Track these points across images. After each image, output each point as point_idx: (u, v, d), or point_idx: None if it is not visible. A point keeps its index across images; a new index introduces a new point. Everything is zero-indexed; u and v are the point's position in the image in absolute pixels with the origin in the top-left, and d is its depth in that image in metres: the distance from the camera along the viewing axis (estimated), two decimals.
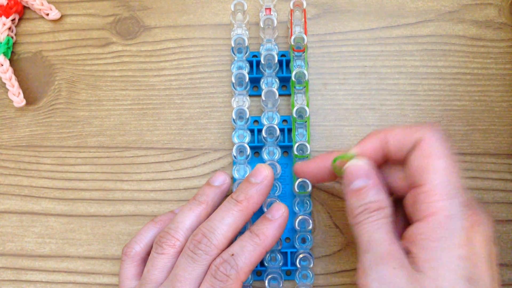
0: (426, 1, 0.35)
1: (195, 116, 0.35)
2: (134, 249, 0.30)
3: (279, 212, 0.28)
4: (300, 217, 0.30)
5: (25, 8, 0.36)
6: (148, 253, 0.30)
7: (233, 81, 0.32)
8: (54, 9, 0.36)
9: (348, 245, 0.32)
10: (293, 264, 0.31)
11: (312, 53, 0.35)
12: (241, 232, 0.28)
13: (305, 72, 0.31)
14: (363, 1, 0.36)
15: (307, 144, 0.30)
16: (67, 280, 0.33)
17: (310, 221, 0.30)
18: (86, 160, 0.34)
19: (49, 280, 0.33)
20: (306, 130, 0.32)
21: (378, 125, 0.34)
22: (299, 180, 0.30)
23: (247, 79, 0.32)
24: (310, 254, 0.30)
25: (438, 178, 0.22)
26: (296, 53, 0.32)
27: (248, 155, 0.31)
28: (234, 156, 0.31)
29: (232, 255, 0.26)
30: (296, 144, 0.31)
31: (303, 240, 0.31)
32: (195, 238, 0.27)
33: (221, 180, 0.30)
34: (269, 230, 0.27)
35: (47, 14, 0.36)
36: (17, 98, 0.34)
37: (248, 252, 0.26)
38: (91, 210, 0.34)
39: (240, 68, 0.32)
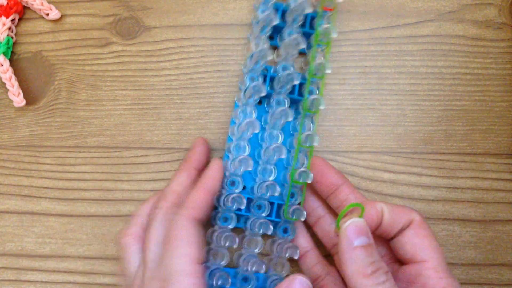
0: (426, 1, 0.35)
1: (195, 116, 0.35)
2: (133, 229, 0.30)
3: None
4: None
5: (25, 8, 0.36)
6: None
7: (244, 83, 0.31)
8: (54, 9, 0.36)
9: None
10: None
11: None
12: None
13: (332, 29, 0.31)
14: (363, 1, 0.36)
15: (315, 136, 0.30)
16: (67, 280, 0.33)
17: (300, 193, 0.31)
18: (86, 160, 0.34)
19: (49, 280, 0.33)
20: (313, 122, 0.31)
21: (378, 125, 0.34)
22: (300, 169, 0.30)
23: (263, 93, 0.31)
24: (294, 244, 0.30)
25: (439, 256, 0.27)
26: (324, 12, 0.31)
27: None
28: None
29: None
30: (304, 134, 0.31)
31: (285, 230, 0.31)
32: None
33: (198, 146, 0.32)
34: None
35: (47, 14, 0.36)
36: (17, 98, 0.34)
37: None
38: (91, 210, 0.34)
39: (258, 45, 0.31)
